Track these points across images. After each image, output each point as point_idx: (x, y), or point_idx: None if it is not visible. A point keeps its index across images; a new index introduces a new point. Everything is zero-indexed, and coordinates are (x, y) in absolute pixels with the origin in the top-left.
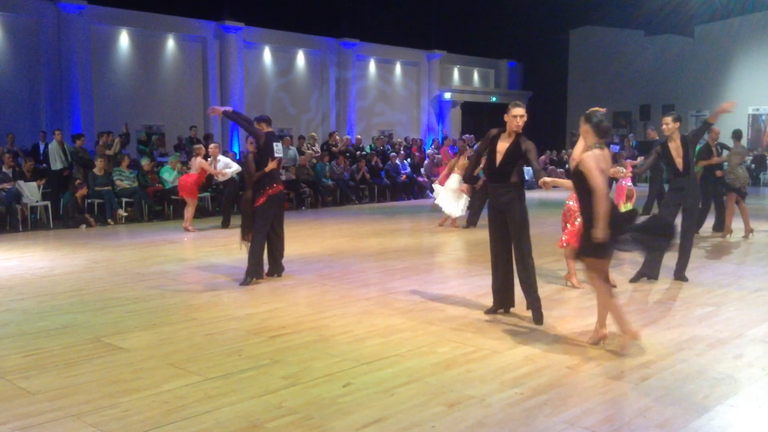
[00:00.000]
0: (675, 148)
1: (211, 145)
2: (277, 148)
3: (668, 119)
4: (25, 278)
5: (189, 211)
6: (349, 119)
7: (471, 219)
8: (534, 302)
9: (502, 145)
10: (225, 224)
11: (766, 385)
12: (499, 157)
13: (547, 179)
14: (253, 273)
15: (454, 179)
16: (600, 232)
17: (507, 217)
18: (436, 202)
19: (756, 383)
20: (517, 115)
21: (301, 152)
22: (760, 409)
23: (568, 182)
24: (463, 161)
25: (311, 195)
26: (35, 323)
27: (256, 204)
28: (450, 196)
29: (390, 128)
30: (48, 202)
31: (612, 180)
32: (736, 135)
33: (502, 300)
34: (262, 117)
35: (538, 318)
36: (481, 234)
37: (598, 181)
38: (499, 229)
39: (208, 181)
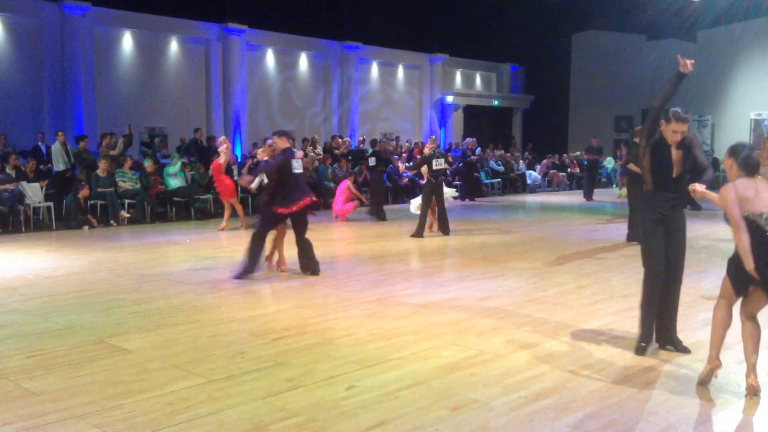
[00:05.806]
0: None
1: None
2: (296, 164)
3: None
4: (28, 279)
5: (240, 209)
6: (352, 122)
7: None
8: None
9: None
10: None
11: None
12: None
13: (698, 187)
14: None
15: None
16: (747, 265)
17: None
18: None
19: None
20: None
21: (304, 154)
22: (766, 415)
23: (715, 196)
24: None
25: None
26: (39, 324)
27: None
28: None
29: (392, 131)
30: (51, 203)
31: None
32: None
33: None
34: (282, 132)
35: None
36: (483, 237)
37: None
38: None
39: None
